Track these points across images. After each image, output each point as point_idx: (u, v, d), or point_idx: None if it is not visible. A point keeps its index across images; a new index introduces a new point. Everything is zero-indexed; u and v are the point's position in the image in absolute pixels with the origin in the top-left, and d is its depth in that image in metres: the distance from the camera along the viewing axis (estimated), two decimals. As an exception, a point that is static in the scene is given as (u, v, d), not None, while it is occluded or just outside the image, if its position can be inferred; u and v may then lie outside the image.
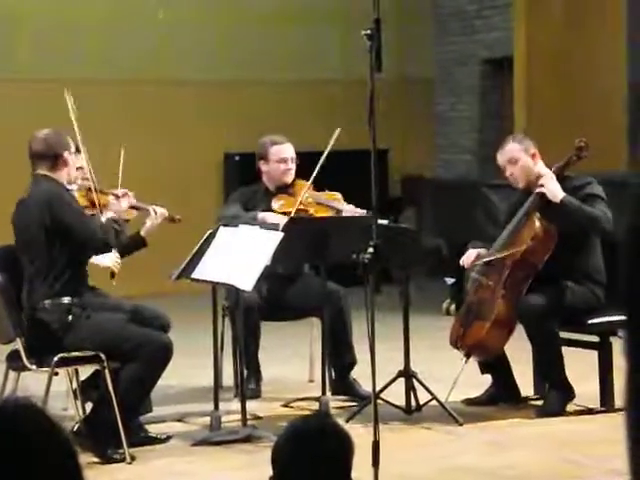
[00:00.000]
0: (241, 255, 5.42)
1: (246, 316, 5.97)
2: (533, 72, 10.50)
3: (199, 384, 6.60)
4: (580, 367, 6.15)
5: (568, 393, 5.90)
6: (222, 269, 5.44)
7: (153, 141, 10.60)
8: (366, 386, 5.92)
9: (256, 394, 6.37)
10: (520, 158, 6.00)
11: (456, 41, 11.62)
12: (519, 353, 6.15)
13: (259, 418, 5.90)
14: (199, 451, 5.45)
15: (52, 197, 5.28)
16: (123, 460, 5.23)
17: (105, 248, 5.46)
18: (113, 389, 5.19)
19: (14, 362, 5.31)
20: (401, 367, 5.93)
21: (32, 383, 5.46)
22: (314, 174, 6.33)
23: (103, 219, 5.49)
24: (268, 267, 5.44)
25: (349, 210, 6.29)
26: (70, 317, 5.27)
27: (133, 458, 5.26)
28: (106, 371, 5.22)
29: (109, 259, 5.87)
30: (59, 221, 5.26)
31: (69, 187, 5.57)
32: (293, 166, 6.47)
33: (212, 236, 5.61)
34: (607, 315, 5.87)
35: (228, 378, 6.46)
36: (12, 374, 5.41)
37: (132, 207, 5.97)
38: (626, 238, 1.96)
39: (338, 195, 6.47)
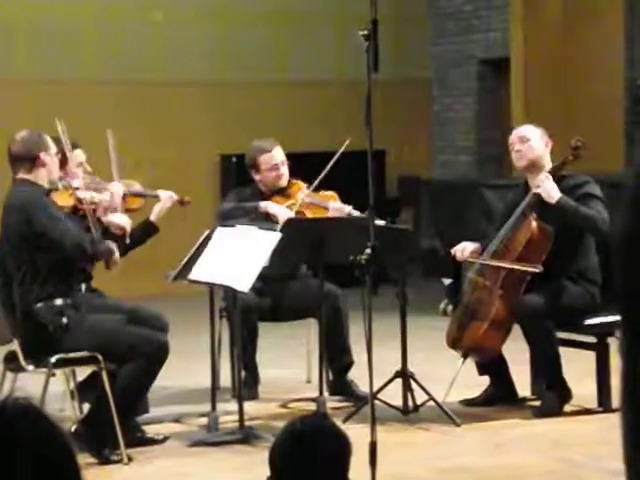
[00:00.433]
0: (238, 256, 5.42)
1: (244, 317, 5.97)
2: (530, 72, 10.51)
3: (196, 385, 6.60)
4: (577, 368, 6.16)
5: (565, 393, 5.90)
6: (219, 270, 5.44)
7: (150, 142, 10.60)
8: (363, 387, 5.92)
9: (253, 395, 6.37)
10: (532, 138, 6.00)
11: (453, 41, 11.62)
12: (516, 354, 6.15)
13: (257, 419, 5.90)
14: (196, 452, 5.45)
15: (26, 203, 5.24)
16: (120, 461, 5.23)
17: (80, 254, 5.29)
18: (110, 390, 5.19)
19: (11, 363, 5.31)
20: (398, 368, 5.93)
21: (29, 384, 5.45)
22: (316, 182, 6.31)
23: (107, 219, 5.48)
24: (265, 268, 5.44)
25: (334, 208, 6.29)
26: (64, 319, 5.26)
27: (130, 459, 5.26)
28: (103, 372, 5.22)
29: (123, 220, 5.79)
30: (33, 225, 5.22)
31: (74, 184, 5.57)
32: (285, 169, 6.45)
33: (209, 237, 5.61)
34: (604, 316, 5.87)
35: (225, 379, 6.45)
36: (9, 375, 5.41)
37: (138, 195, 5.97)
38: (622, 238, 1.96)
39: (333, 194, 6.46)
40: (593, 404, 5.95)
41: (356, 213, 6.26)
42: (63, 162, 5.68)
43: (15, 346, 5.23)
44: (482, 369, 6.16)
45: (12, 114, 9.71)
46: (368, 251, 4.50)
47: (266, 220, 6.19)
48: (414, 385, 5.91)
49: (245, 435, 5.52)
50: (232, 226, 5.65)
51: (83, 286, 5.80)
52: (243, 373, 6.07)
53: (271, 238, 5.44)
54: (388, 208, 10.35)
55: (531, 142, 5.99)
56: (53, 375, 5.31)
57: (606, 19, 10.03)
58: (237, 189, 6.71)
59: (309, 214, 6.36)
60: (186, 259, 5.60)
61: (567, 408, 5.93)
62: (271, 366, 6.91)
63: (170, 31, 10.77)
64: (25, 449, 1.69)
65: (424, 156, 11.81)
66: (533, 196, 5.94)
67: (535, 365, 6.13)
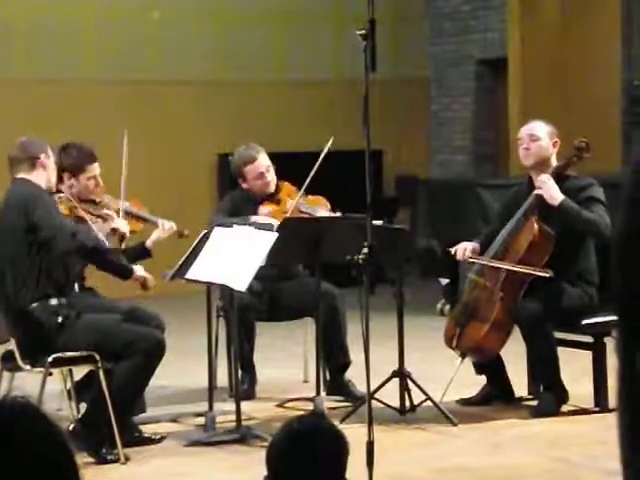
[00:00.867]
0: (235, 255, 5.42)
1: (241, 316, 5.97)
2: (527, 72, 10.52)
3: (194, 384, 6.60)
4: (574, 367, 6.16)
5: (562, 395, 5.90)
6: (216, 269, 5.44)
7: (148, 141, 10.59)
8: (360, 386, 5.92)
9: (250, 394, 6.37)
10: (542, 138, 5.98)
11: (451, 41, 11.63)
12: (513, 353, 6.16)
13: (254, 419, 5.90)
14: (194, 452, 5.45)
15: (28, 199, 5.23)
16: (117, 460, 5.23)
17: (75, 251, 5.28)
18: (107, 389, 5.19)
19: (8, 363, 5.31)
20: (395, 367, 5.93)
21: (26, 384, 5.45)
22: (305, 184, 6.30)
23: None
24: (262, 267, 5.44)
25: (321, 215, 6.27)
26: (60, 318, 5.25)
27: (127, 458, 5.26)
28: (100, 371, 5.22)
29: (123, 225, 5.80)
30: (29, 217, 5.20)
31: (71, 200, 5.54)
32: (271, 175, 6.43)
33: (206, 236, 5.61)
34: (601, 316, 5.88)
35: (223, 379, 6.45)
36: (6, 375, 5.41)
37: (140, 219, 5.95)
38: (620, 237, 1.96)
39: (322, 199, 6.43)
40: (590, 404, 5.95)
41: None
42: (77, 171, 5.67)
43: (12, 345, 5.23)
44: (479, 368, 6.16)
45: (11, 114, 9.72)
46: (365, 251, 4.51)
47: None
48: (411, 385, 5.91)
49: (242, 435, 5.52)
50: (229, 226, 5.65)
51: (76, 285, 5.80)
52: (240, 373, 6.06)
53: (268, 238, 5.44)
54: (385, 208, 10.36)
55: (540, 142, 5.97)
56: (50, 374, 5.30)
57: (603, 19, 10.04)
58: (231, 193, 6.69)
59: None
60: (183, 258, 5.60)
61: (564, 408, 5.94)
62: (268, 366, 6.91)
63: (168, 31, 10.77)
64: (23, 448, 1.69)
65: (421, 156, 11.81)
66: (535, 197, 5.93)
67: (533, 366, 6.12)
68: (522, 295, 5.88)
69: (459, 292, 6.28)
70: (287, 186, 6.48)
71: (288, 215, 6.19)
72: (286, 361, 7.28)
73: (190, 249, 5.60)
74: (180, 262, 5.60)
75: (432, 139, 11.91)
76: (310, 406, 5.89)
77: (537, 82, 10.45)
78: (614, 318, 1.97)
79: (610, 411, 5.73)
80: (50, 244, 5.22)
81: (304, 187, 6.31)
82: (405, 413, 5.91)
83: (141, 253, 5.92)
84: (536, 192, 5.91)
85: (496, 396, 6.18)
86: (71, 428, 5.39)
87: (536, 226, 5.88)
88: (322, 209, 6.34)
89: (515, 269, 5.84)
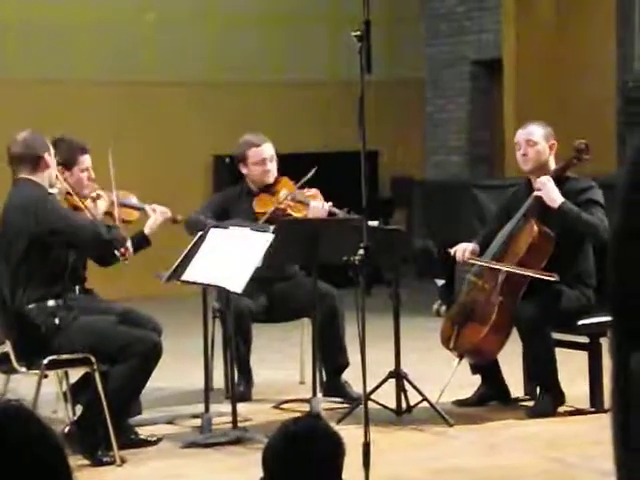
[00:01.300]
0: (231, 257, 5.42)
1: (237, 318, 5.97)
2: (522, 73, 10.53)
3: (190, 386, 6.60)
4: (570, 368, 6.16)
5: (559, 397, 5.90)
6: (212, 271, 5.44)
7: (143, 142, 10.59)
8: (357, 387, 5.92)
9: (247, 396, 6.36)
10: (539, 143, 5.97)
11: (446, 42, 11.64)
12: (509, 354, 6.15)
13: (250, 420, 5.90)
14: (190, 453, 5.45)
15: (37, 203, 5.21)
16: (113, 463, 5.23)
17: (99, 243, 5.32)
18: (103, 392, 5.18)
19: (3, 365, 5.29)
20: (392, 368, 5.93)
21: (22, 386, 5.44)
22: (301, 182, 6.32)
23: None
24: (259, 269, 5.43)
25: (313, 206, 6.29)
26: (57, 320, 5.25)
27: (123, 460, 5.25)
28: (96, 373, 5.21)
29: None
30: (49, 228, 5.19)
31: (50, 190, 5.52)
32: (273, 166, 6.46)
33: (202, 238, 5.61)
34: (597, 316, 5.88)
35: (219, 380, 6.45)
36: (1, 377, 5.40)
37: (133, 208, 5.96)
38: (615, 236, 1.96)
39: (316, 192, 6.46)
40: (586, 404, 5.96)
41: (336, 210, 6.27)
42: (70, 164, 5.69)
43: (7, 347, 5.22)
44: (475, 369, 6.16)
45: (6, 115, 9.71)
46: (361, 252, 4.51)
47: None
48: (407, 386, 5.91)
49: (238, 436, 5.52)
50: (225, 227, 5.65)
51: (77, 288, 5.80)
52: (236, 374, 6.06)
53: (264, 239, 5.44)
54: (381, 209, 10.36)
55: (538, 146, 5.97)
56: (45, 377, 5.29)
57: (598, 20, 10.05)
58: (226, 190, 6.71)
59: (294, 212, 6.35)
60: (179, 260, 5.60)
61: (560, 408, 5.94)
62: (264, 367, 6.91)
63: (164, 32, 10.76)
64: (16, 451, 1.69)
65: (417, 157, 11.82)
66: (534, 199, 5.92)
67: (530, 367, 6.12)
68: (520, 297, 5.87)
69: (456, 293, 6.28)
70: (286, 180, 6.50)
71: (281, 207, 6.22)
72: (282, 362, 7.28)
73: (186, 250, 5.59)
74: (176, 263, 5.59)
75: (427, 140, 11.92)
76: (306, 407, 5.89)
77: (532, 83, 10.45)
78: (610, 319, 1.97)
79: (606, 411, 5.73)
80: (76, 243, 5.25)
81: (300, 183, 6.33)
82: (401, 414, 5.91)
83: (141, 241, 5.94)
84: (535, 194, 5.90)
85: (492, 397, 6.18)
86: (66, 430, 5.38)
87: (536, 228, 5.87)
88: (317, 201, 6.36)
89: (519, 272, 5.83)
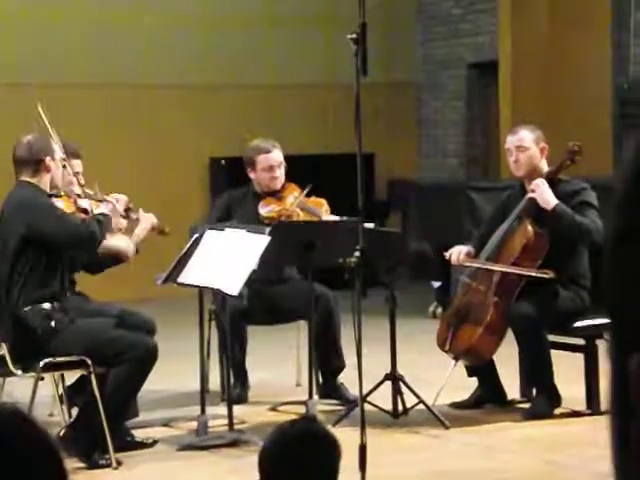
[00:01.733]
0: (227, 259, 5.42)
1: (233, 320, 5.97)
2: (518, 76, 10.53)
3: (185, 388, 6.59)
4: (566, 370, 6.16)
5: (555, 399, 5.90)
6: (208, 273, 5.44)
7: (139, 145, 10.59)
8: (353, 390, 5.92)
9: (243, 398, 6.36)
10: (530, 148, 5.97)
11: (442, 45, 11.64)
12: (505, 356, 6.16)
13: (246, 423, 5.90)
14: (186, 456, 5.44)
15: (28, 205, 5.23)
16: (109, 465, 5.22)
17: (91, 242, 5.30)
18: (99, 394, 5.18)
19: (-1, 368, 5.30)
20: (388, 370, 5.93)
21: (18, 389, 5.44)
22: (306, 190, 6.33)
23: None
24: (255, 271, 5.43)
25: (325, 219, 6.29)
26: (53, 322, 5.24)
27: (119, 463, 5.25)
28: (92, 376, 5.21)
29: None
30: (37, 230, 5.21)
31: (76, 192, 5.52)
32: (281, 172, 6.44)
33: (198, 240, 5.60)
34: (593, 318, 5.89)
35: (215, 382, 6.45)
36: (-3, 379, 5.40)
37: (122, 216, 5.93)
38: (611, 238, 1.96)
39: (323, 202, 6.47)
40: (582, 406, 5.96)
41: None
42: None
43: (3, 350, 5.22)
44: (471, 371, 6.17)
45: (5, 117, 9.71)
46: (357, 254, 4.51)
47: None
48: (403, 388, 5.91)
49: (234, 439, 5.52)
50: (221, 229, 5.65)
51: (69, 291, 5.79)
52: (232, 376, 6.06)
53: (260, 241, 5.44)
54: (377, 211, 10.37)
55: (529, 151, 5.97)
56: (42, 379, 5.29)
57: (593, 22, 10.06)
58: (230, 192, 6.68)
59: (299, 219, 6.35)
60: (175, 262, 5.59)
61: (556, 411, 5.94)
62: (260, 369, 6.90)
63: (159, 35, 10.76)
64: (11, 453, 1.69)
65: (413, 159, 11.82)
66: (528, 200, 5.92)
67: (526, 371, 6.12)
68: (515, 298, 5.88)
69: (451, 295, 6.28)
70: (292, 186, 6.50)
71: (289, 211, 6.23)
72: (278, 365, 7.28)
73: (182, 253, 5.59)
74: (172, 266, 5.59)
75: (423, 142, 11.93)
76: (302, 410, 5.89)
77: (528, 85, 10.46)
78: (606, 321, 1.97)
79: (602, 413, 5.73)
80: (70, 248, 5.24)
81: (305, 191, 6.33)
82: (397, 416, 5.91)
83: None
84: (529, 195, 5.91)
85: (488, 399, 6.18)
86: (62, 433, 5.38)
87: (530, 229, 5.88)
88: (323, 211, 6.36)
89: (514, 271, 5.84)
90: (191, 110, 10.81)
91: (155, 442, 5.58)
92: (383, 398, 5.85)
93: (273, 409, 6.22)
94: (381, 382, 5.88)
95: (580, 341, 6.06)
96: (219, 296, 5.87)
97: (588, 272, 5.99)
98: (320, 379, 6.35)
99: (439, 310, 8.47)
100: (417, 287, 9.49)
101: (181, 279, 5.53)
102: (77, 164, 5.80)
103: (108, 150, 10.02)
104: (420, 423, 5.80)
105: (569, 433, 5.64)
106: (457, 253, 6.05)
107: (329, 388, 6.33)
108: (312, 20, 11.32)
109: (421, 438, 5.64)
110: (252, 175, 6.48)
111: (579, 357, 6.05)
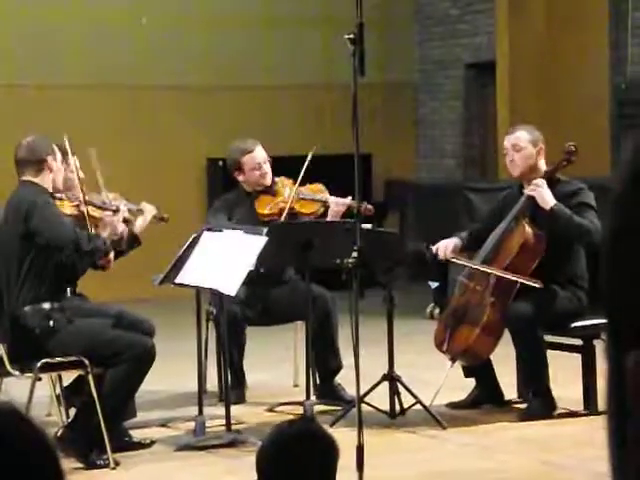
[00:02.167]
0: (225, 259, 5.42)
1: (230, 321, 5.96)
2: (516, 76, 10.54)
3: (183, 389, 6.59)
4: (563, 370, 6.16)
5: (550, 403, 5.89)
6: (206, 273, 5.44)
7: (137, 146, 10.59)
8: (350, 390, 5.92)
9: (240, 399, 6.36)
10: (525, 148, 5.97)
11: (439, 45, 11.65)
12: (502, 356, 6.16)
13: (243, 423, 5.90)
14: (183, 456, 5.44)
15: (27, 204, 5.23)
16: (107, 465, 5.22)
17: (72, 250, 5.25)
18: (97, 394, 5.18)
19: (-3, 368, 5.29)
20: (385, 371, 5.93)
21: (15, 389, 5.43)
22: (299, 178, 6.32)
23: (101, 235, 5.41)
24: (252, 271, 5.43)
25: (334, 201, 6.29)
26: (51, 322, 5.24)
27: (117, 463, 5.24)
28: (89, 376, 5.20)
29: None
30: (27, 224, 5.21)
31: (78, 198, 5.50)
32: (268, 167, 6.46)
33: (196, 240, 5.60)
34: (590, 319, 5.89)
35: (212, 383, 6.45)
36: (-5, 380, 5.40)
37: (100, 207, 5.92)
38: (609, 235, 1.96)
39: (321, 186, 6.47)
40: (579, 407, 5.96)
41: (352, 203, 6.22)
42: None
43: (1, 350, 5.22)
44: (468, 371, 6.17)
45: (4, 118, 9.71)
46: (354, 255, 4.51)
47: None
48: (401, 388, 5.91)
49: (232, 439, 5.51)
50: (219, 230, 5.65)
51: (68, 290, 5.79)
52: (230, 377, 6.05)
53: (257, 242, 5.44)
54: (374, 211, 10.35)
55: (524, 151, 5.96)
56: (39, 379, 5.29)
57: (591, 22, 10.06)
58: (224, 196, 6.69)
59: (301, 209, 6.35)
60: (173, 262, 5.59)
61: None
62: (258, 370, 6.90)
63: (156, 35, 10.76)
64: (8, 453, 1.69)
65: (410, 160, 11.82)
66: (527, 200, 5.92)
67: (523, 372, 6.12)
68: (512, 299, 5.87)
69: (449, 295, 6.28)
70: (283, 179, 6.50)
71: (288, 204, 6.22)
72: (276, 365, 7.28)
73: (179, 253, 5.59)
74: (169, 266, 5.59)
75: (420, 143, 11.93)
76: (300, 410, 5.89)
77: (525, 85, 10.47)
78: (603, 321, 1.97)
79: (599, 413, 5.73)
80: (51, 248, 5.22)
81: (299, 181, 6.33)
82: (395, 417, 5.91)
83: (131, 241, 5.92)
84: (528, 193, 5.90)
85: (485, 399, 6.18)
86: (60, 433, 5.38)
87: (528, 229, 5.88)
88: (323, 194, 6.36)
89: (504, 276, 5.83)
90: (189, 111, 10.80)
91: (153, 442, 5.58)
92: (380, 398, 5.85)
93: (271, 410, 6.22)
94: (378, 382, 5.88)
95: (577, 341, 6.07)
96: (216, 297, 5.87)
97: (586, 273, 5.99)
98: (318, 380, 6.35)
99: (437, 311, 8.48)
100: (415, 288, 9.49)
101: (178, 280, 5.53)
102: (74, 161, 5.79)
103: (106, 151, 10.00)
104: (417, 423, 5.80)
105: (566, 433, 5.65)
106: (443, 248, 6.05)
107: (327, 389, 6.33)
108: (309, 21, 11.32)
109: (418, 438, 5.64)
110: (240, 177, 6.47)
111: (576, 357, 6.05)
